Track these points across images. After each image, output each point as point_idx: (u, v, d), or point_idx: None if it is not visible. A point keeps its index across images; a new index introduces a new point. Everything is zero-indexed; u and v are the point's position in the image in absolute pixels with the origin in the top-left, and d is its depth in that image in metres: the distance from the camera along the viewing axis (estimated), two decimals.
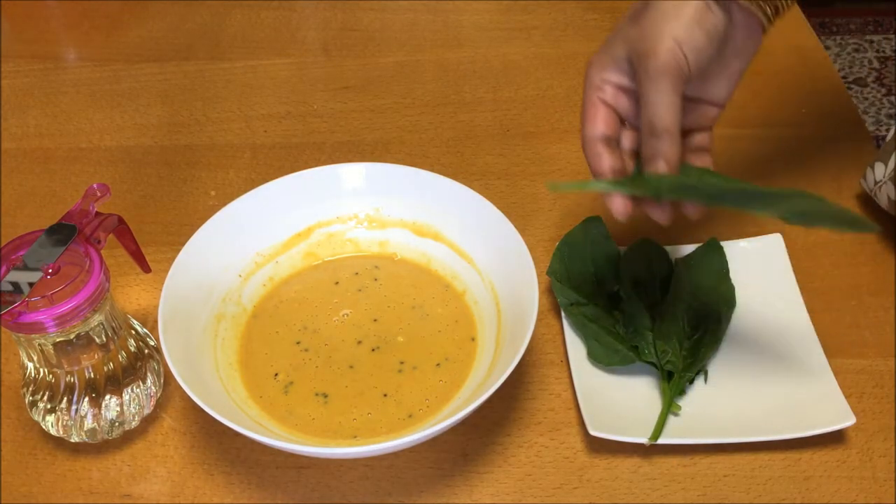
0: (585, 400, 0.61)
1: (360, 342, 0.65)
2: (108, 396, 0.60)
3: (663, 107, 0.54)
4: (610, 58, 0.57)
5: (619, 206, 0.57)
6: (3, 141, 0.86)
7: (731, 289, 0.67)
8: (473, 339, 0.65)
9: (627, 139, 0.59)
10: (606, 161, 0.57)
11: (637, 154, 0.58)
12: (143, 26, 1.00)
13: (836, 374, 0.62)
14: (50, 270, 0.55)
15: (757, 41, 0.58)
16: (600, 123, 0.57)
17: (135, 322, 0.63)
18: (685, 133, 0.59)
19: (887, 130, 0.72)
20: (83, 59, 0.97)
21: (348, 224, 0.71)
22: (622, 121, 0.59)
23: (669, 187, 0.55)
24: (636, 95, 0.57)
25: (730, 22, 0.55)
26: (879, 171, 0.71)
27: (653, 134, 0.55)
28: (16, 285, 0.54)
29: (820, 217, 0.54)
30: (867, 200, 0.76)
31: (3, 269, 0.55)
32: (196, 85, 0.92)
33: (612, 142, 0.58)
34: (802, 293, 0.67)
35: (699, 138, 0.60)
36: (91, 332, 0.58)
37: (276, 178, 0.69)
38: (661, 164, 0.55)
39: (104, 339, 0.59)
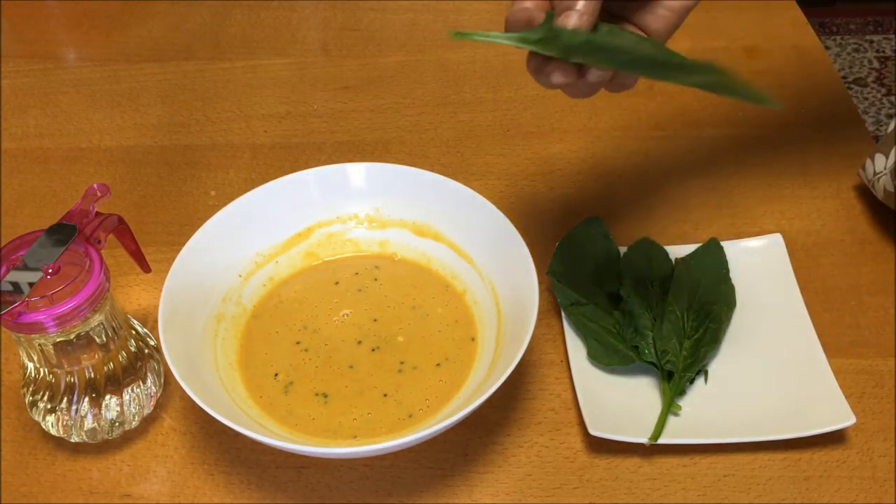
0: (585, 400, 0.61)
1: (360, 342, 0.65)
2: (108, 396, 0.60)
3: None
4: None
5: (557, 77, 0.53)
6: (3, 141, 0.86)
7: (731, 289, 0.67)
8: (473, 339, 0.65)
9: None
10: (528, 4, 0.52)
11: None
12: (143, 26, 1.00)
13: (836, 374, 0.62)
14: (50, 270, 0.55)
15: None
16: None
17: (135, 322, 0.63)
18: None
19: (890, 123, 0.72)
20: (83, 59, 0.97)
21: (348, 224, 0.71)
22: None
23: (578, 45, 0.51)
24: None
25: None
26: (880, 162, 0.71)
27: None
28: (16, 285, 0.54)
29: (726, 89, 0.53)
30: (865, 192, 0.76)
31: (3, 269, 0.55)
32: (196, 85, 0.92)
33: None
34: (802, 293, 0.67)
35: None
36: (91, 332, 0.58)
37: (276, 178, 0.69)
38: (573, 17, 0.50)
39: (104, 339, 0.59)
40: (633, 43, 0.53)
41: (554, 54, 0.52)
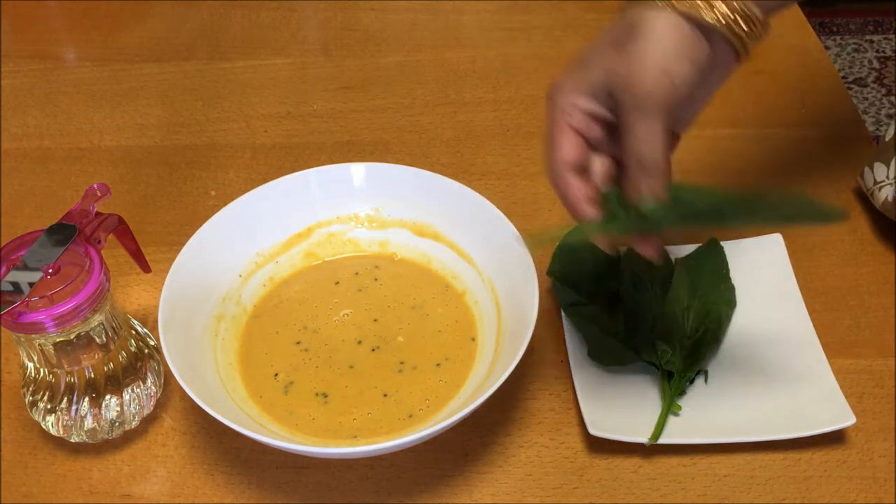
0: (585, 400, 0.61)
1: (360, 342, 0.65)
2: (108, 396, 0.60)
3: (653, 140, 0.52)
4: (585, 83, 0.54)
5: (606, 244, 0.56)
6: (3, 141, 0.86)
7: (731, 289, 0.67)
8: (473, 339, 0.65)
9: (598, 165, 0.56)
10: (579, 189, 0.54)
11: (604, 190, 0.56)
12: (143, 26, 1.00)
13: (836, 374, 0.62)
14: (50, 270, 0.55)
15: (730, 70, 0.55)
16: (570, 149, 0.54)
17: (135, 322, 0.63)
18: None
19: (887, 131, 0.72)
20: (83, 59, 0.97)
21: (348, 224, 0.71)
22: (591, 147, 0.56)
23: (665, 219, 0.53)
24: (607, 124, 0.54)
25: (711, 51, 0.53)
26: (880, 172, 0.71)
27: (642, 168, 0.52)
28: (16, 285, 0.54)
29: (795, 217, 0.54)
30: (862, 198, 0.76)
31: (3, 269, 0.55)
32: (196, 85, 0.92)
33: (582, 170, 0.55)
34: (802, 293, 0.67)
35: None
36: (91, 332, 0.58)
37: (276, 178, 0.69)
38: (651, 200, 0.53)
39: (104, 339, 0.59)
40: (700, 195, 0.54)
41: (641, 231, 0.54)
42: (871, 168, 0.72)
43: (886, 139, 0.72)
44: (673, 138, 0.57)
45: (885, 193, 0.70)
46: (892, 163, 0.70)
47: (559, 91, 0.55)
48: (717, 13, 0.52)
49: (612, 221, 0.54)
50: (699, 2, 0.51)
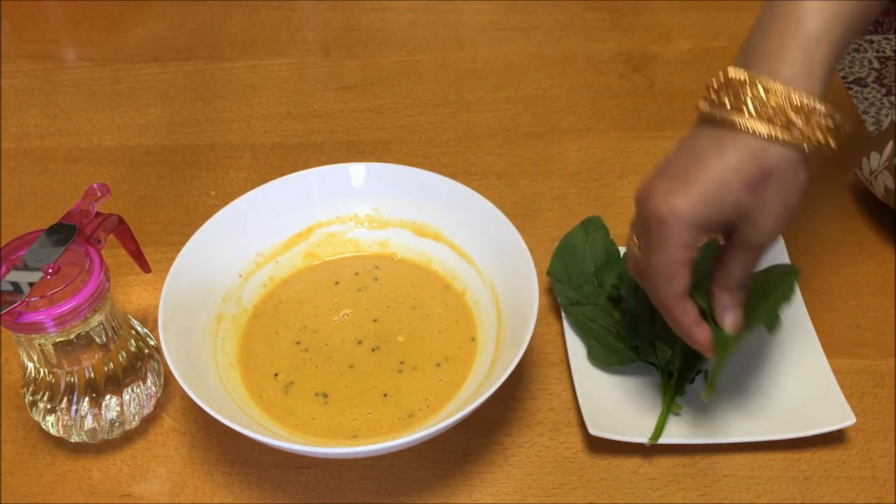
0: (585, 400, 0.61)
1: (360, 342, 0.65)
2: (108, 396, 0.60)
3: (750, 267, 0.55)
4: (708, 218, 0.52)
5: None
6: (3, 141, 0.86)
7: None
8: (473, 339, 0.65)
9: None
10: (694, 312, 0.56)
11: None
12: (143, 26, 1.00)
13: (836, 374, 0.62)
14: (50, 270, 0.55)
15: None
16: (687, 280, 0.54)
17: (135, 322, 0.63)
18: None
19: (884, 123, 0.73)
20: (83, 59, 0.97)
21: (348, 224, 0.71)
22: None
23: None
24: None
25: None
26: (875, 160, 0.71)
27: (729, 288, 0.56)
28: (16, 285, 0.54)
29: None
30: (864, 191, 0.76)
31: (3, 269, 0.55)
32: (196, 85, 0.92)
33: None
34: (802, 293, 0.67)
35: None
36: (91, 332, 0.58)
37: (276, 178, 0.69)
38: (731, 317, 0.57)
39: (104, 339, 0.59)
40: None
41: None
42: (868, 157, 0.72)
43: (883, 129, 0.73)
44: None
45: (881, 181, 0.71)
46: (887, 148, 0.70)
47: (676, 219, 0.52)
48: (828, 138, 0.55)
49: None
50: (807, 132, 0.54)
